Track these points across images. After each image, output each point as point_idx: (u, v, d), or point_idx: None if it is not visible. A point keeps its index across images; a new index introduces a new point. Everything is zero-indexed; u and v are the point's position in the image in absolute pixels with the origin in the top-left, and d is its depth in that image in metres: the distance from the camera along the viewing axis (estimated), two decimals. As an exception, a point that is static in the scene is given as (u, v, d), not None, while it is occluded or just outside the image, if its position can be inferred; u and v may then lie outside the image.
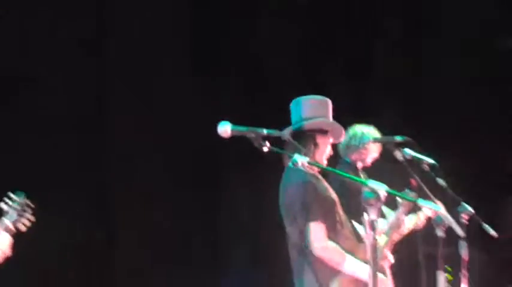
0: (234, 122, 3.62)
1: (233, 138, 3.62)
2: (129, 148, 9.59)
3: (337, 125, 4.62)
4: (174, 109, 9.79)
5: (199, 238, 9.80)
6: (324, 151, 4.57)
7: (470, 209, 5.14)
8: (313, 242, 4.27)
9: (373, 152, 5.93)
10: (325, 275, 4.33)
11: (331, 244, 4.31)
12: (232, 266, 9.78)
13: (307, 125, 4.50)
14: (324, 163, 4.59)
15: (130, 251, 9.49)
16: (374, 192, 3.47)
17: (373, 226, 3.46)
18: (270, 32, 10.20)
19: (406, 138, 5.22)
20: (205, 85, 10.05)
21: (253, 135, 3.56)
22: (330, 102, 4.69)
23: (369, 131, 5.91)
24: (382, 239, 4.73)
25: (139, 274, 9.34)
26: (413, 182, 5.08)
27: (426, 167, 5.41)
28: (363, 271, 4.31)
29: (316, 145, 4.50)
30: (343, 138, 4.83)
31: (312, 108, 4.58)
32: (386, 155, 5.58)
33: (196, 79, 10.22)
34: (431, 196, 5.04)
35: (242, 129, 3.57)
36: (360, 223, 4.49)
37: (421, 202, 4.38)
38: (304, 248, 4.30)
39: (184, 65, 10.33)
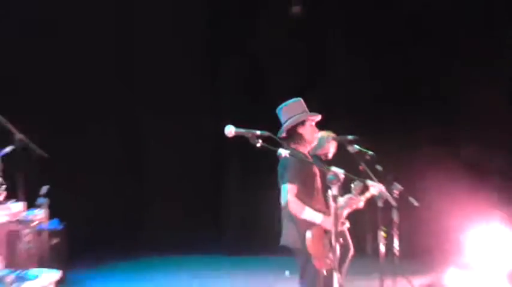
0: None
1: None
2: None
3: (308, 114, 4.91)
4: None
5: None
6: (309, 135, 4.92)
7: (400, 186, 5.62)
8: (283, 197, 4.67)
9: (332, 148, 6.39)
10: (302, 224, 4.67)
11: (295, 199, 4.64)
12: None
13: (287, 126, 4.88)
14: (313, 141, 4.95)
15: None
16: (335, 175, 4.02)
17: (335, 199, 4.02)
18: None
19: (355, 137, 5.80)
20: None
21: (249, 135, 4.05)
22: (300, 100, 4.99)
23: (328, 134, 6.31)
24: (342, 210, 5.22)
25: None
26: (361, 168, 5.62)
27: (368, 157, 6.08)
28: (317, 217, 4.63)
29: (300, 134, 4.88)
30: (319, 117, 4.98)
31: (287, 112, 4.91)
32: (342, 149, 6.09)
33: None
34: (374, 178, 5.49)
35: (242, 130, 4.04)
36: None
37: (369, 182, 5.05)
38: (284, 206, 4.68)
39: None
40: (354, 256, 6.69)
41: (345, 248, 6.42)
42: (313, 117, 4.95)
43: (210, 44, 10.46)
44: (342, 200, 5.23)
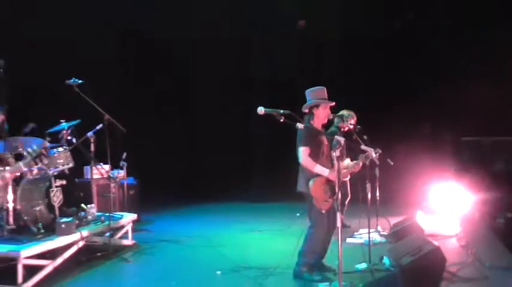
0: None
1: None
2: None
3: (323, 101, 4.84)
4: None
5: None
6: (321, 116, 4.87)
7: (380, 150, 5.53)
8: (300, 157, 4.73)
9: (350, 124, 6.39)
10: (309, 175, 4.73)
11: (308, 158, 4.70)
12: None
13: (307, 105, 4.88)
14: (324, 121, 4.91)
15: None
16: (338, 141, 4.14)
17: (338, 159, 4.09)
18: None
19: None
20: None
21: (275, 113, 4.18)
22: (324, 89, 4.89)
23: (349, 113, 6.48)
24: (348, 171, 5.21)
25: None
26: (354, 137, 5.76)
27: (357, 129, 6.10)
28: (324, 171, 4.67)
29: (313, 114, 4.86)
30: (331, 104, 4.89)
31: (311, 95, 4.88)
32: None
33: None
34: (362, 143, 5.55)
35: (269, 110, 4.18)
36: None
37: (363, 147, 5.09)
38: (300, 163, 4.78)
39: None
40: (350, 201, 6.77)
41: (344, 196, 6.54)
42: (325, 104, 4.90)
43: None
44: (350, 164, 5.27)
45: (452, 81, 8.86)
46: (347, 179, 5.58)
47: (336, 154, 4.07)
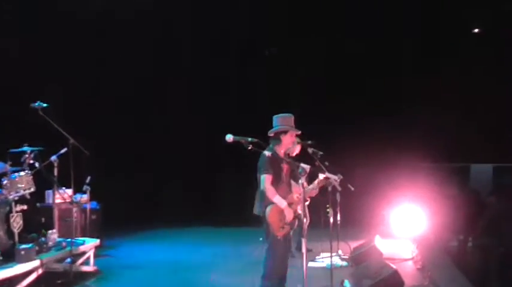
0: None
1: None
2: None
3: (291, 129, 4.93)
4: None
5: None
6: (286, 142, 4.98)
7: (341, 176, 5.69)
8: (263, 183, 4.78)
9: (296, 150, 6.27)
10: (267, 202, 4.80)
11: (270, 187, 4.76)
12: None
13: (275, 131, 4.96)
14: (288, 146, 5.00)
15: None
16: (303, 169, 4.24)
17: (303, 186, 4.24)
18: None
19: (312, 141, 5.82)
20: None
21: (243, 141, 4.25)
22: (292, 116, 4.99)
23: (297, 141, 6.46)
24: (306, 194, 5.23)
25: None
26: (317, 164, 5.67)
27: (319, 156, 6.21)
28: (282, 204, 4.75)
29: (280, 139, 4.96)
30: (298, 133, 5.01)
31: (280, 121, 4.97)
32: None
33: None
34: (325, 170, 5.54)
35: (238, 138, 4.24)
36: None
37: (327, 174, 5.21)
38: (259, 188, 4.87)
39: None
40: (310, 225, 6.89)
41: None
42: (293, 132, 5.05)
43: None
44: (307, 188, 5.27)
45: (412, 106, 9.08)
46: (306, 203, 5.67)
47: (301, 181, 4.19)
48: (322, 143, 6.49)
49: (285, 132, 4.99)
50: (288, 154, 6.22)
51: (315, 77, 9.69)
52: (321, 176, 5.41)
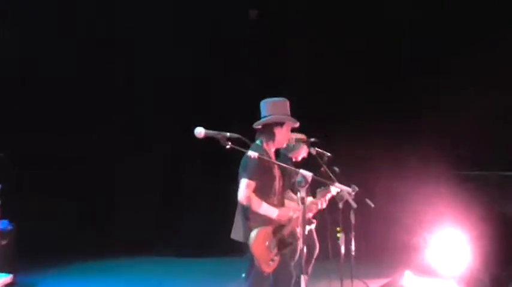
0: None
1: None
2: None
3: (289, 119, 5.01)
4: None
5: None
6: (281, 138, 5.03)
7: (356, 188, 5.67)
8: (240, 191, 4.76)
9: (303, 153, 6.60)
10: (250, 223, 4.82)
11: (253, 195, 4.76)
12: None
13: (265, 121, 4.99)
14: (282, 145, 5.11)
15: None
16: (304, 178, 4.17)
17: (303, 201, 4.18)
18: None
19: (315, 139, 5.99)
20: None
21: (219, 137, 4.19)
22: (287, 102, 5.07)
23: (302, 138, 6.38)
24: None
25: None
26: (322, 169, 5.79)
27: (326, 159, 6.24)
28: (273, 212, 4.80)
29: (273, 134, 4.99)
30: (297, 124, 5.09)
31: (271, 108, 5.01)
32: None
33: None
34: (335, 180, 5.61)
35: (212, 132, 4.19)
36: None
37: (337, 185, 5.20)
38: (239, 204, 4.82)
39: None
40: (319, 254, 6.90)
41: (310, 248, 6.60)
42: (292, 123, 5.07)
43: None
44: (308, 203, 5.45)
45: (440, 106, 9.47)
46: (312, 226, 5.69)
47: (300, 194, 4.16)
48: (330, 143, 6.62)
49: (280, 124, 5.02)
50: (291, 159, 6.41)
51: (326, 69, 10.02)
52: (334, 190, 5.51)
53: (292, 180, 5.95)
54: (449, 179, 9.15)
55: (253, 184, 4.80)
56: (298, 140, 6.27)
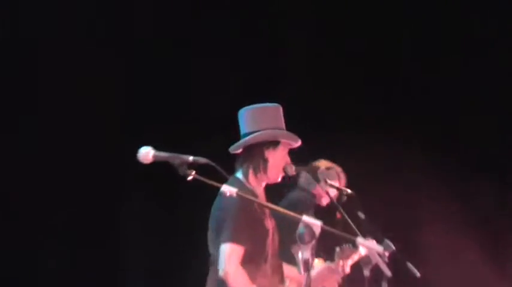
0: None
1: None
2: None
3: (287, 134, 4.93)
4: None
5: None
6: (277, 165, 4.92)
7: (392, 246, 5.57)
8: (224, 263, 4.61)
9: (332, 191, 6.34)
10: None
11: (241, 271, 4.61)
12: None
13: (249, 141, 4.86)
14: (277, 177, 4.97)
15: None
16: (308, 229, 3.90)
17: (307, 266, 3.88)
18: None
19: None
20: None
21: (177, 161, 3.94)
22: (278, 108, 5.02)
23: (332, 167, 6.47)
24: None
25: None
26: (338, 216, 5.63)
27: (345, 198, 6.03)
28: None
29: (265, 160, 4.85)
30: (299, 143, 5.03)
31: (256, 120, 4.93)
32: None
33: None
34: (357, 231, 5.44)
35: (166, 155, 3.96)
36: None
37: (361, 241, 4.85)
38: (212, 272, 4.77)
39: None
40: None
41: None
42: (292, 141, 4.92)
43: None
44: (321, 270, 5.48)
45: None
46: None
47: (303, 256, 3.89)
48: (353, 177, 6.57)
49: (273, 144, 4.80)
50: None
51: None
52: (362, 249, 5.48)
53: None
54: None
55: (240, 249, 4.62)
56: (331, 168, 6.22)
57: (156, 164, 4.06)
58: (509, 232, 9.29)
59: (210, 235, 4.76)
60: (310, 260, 3.92)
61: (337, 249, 5.52)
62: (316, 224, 3.95)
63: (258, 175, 4.85)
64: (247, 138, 4.85)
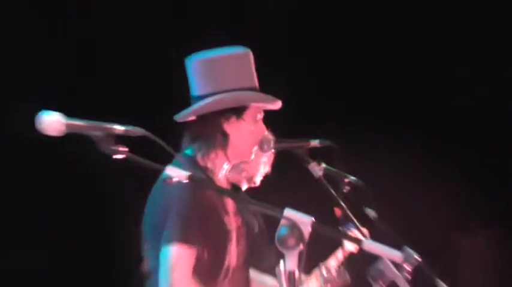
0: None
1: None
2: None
3: (257, 95, 4.20)
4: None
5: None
6: (244, 139, 4.21)
7: (415, 256, 4.56)
8: (167, 273, 3.95)
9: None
10: None
11: (188, 281, 3.98)
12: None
13: (203, 107, 4.12)
14: (248, 155, 4.30)
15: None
16: (293, 228, 3.14)
17: (291, 280, 3.14)
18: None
19: (322, 141, 4.79)
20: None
21: (100, 133, 3.17)
22: (246, 55, 4.25)
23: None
24: None
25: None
26: (338, 211, 4.84)
27: (348, 188, 5.09)
28: None
29: (224, 134, 4.14)
30: (278, 105, 4.32)
31: (211, 77, 4.16)
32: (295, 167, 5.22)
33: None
34: (365, 234, 4.95)
35: (83, 123, 3.18)
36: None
37: (368, 245, 4.00)
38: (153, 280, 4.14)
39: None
40: None
41: None
42: (264, 104, 4.21)
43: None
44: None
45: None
46: None
47: (285, 266, 3.16)
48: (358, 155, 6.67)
49: (237, 112, 4.13)
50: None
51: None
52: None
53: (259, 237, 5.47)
54: None
55: (191, 253, 3.98)
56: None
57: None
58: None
59: (147, 235, 4.10)
60: (295, 273, 3.19)
61: (323, 269, 5.23)
62: (305, 220, 3.18)
63: (218, 153, 4.15)
64: (200, 104, 4.12)
